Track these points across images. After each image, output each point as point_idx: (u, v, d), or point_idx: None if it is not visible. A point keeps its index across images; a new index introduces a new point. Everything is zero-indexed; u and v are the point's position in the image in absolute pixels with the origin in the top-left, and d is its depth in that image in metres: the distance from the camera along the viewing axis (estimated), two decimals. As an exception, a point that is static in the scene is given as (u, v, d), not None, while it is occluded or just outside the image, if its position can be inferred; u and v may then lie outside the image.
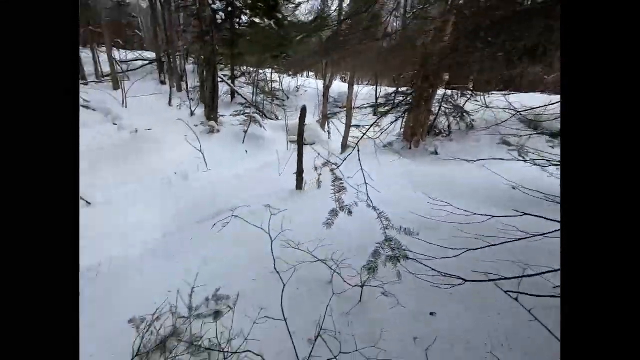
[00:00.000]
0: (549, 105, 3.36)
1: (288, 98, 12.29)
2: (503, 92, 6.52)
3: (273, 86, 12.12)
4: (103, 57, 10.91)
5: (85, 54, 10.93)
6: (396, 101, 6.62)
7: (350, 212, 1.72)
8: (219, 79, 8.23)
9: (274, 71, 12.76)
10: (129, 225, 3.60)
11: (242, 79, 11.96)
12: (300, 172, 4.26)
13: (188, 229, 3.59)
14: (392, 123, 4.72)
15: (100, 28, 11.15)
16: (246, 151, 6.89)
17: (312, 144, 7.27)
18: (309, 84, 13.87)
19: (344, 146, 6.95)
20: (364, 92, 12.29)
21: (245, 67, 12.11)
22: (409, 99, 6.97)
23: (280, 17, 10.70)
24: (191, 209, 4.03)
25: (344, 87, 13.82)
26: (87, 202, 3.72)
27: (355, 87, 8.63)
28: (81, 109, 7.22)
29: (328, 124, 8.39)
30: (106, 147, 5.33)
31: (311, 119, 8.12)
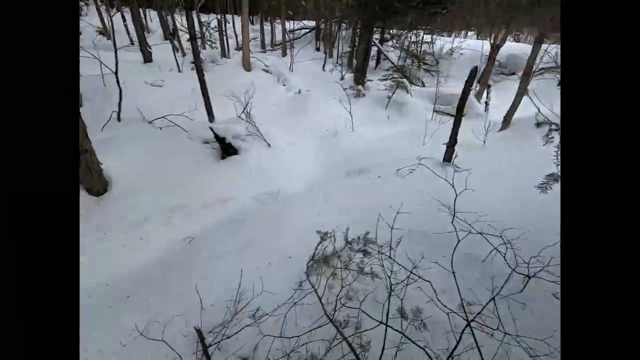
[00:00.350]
0: None
1: (438, 62, 11.02)
2: None
3: (422, 49, 11.11)
4: (276, 28, 13.03)
5: (266, 26, 13.31)
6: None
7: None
8: (372, 43, 8.25)
9: (426, 32, 11.56)
10: (292, 167, 4.47)
11: (389, 43, 11.53)
12: (453, 143, 3.90)
13: (334, 179, 4.09)
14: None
15: (277, 2, 13.18)
16: (388, 117, 6.88)
17: (462, 116, 6.40)
18: (467, 45, 11.82)
19: (507, 122, 5.72)
20: (552, 53, 9.37)
21: (393, 30, 11.54)
22: None
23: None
24: (340, 161, 4.54)
25: (517, 48, 10.98)
26: (268, 143, 4.85)
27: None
28: (262, 72, 9.07)
29: (488, 94, 7.05)
30: (279, 104, 6.59)
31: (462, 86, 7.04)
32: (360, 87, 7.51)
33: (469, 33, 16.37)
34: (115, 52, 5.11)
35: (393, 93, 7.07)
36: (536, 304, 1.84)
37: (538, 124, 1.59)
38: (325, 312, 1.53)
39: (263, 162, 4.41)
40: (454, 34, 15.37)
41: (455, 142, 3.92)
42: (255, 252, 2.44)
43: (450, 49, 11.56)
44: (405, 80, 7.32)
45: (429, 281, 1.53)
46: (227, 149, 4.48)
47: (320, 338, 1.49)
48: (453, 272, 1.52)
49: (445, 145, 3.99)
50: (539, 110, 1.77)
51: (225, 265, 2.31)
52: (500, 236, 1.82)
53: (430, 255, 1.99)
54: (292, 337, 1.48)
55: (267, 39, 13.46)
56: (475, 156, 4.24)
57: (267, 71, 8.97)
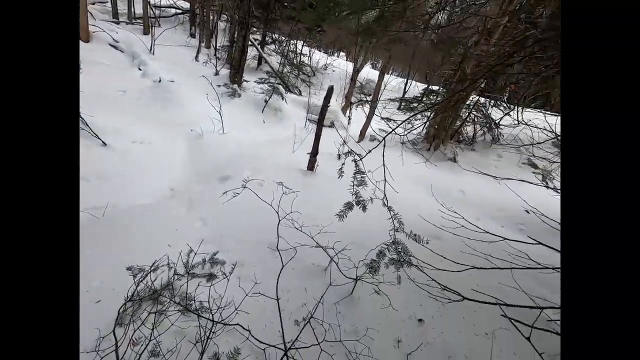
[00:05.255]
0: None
1: (314, 74, 11.97)
2: (538, 110, 6.18)
3: (301, 60, 11.78)
4: (137, -2, 10.68)
5: (120, -8, 10.70)
6: (426, 100, 6.37)
7: (364, 208, 1.68)
8: (249, 43, 8.01)
9: (305, 44, 12.35)
10: (140, 173, 3.65)
11: (272, 47, 11.63)
12: (315, 153, 4.20)
13: (195, 187, 3.63)
14: (424, 124, 4.56)
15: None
16: (264, 121, 6.82)
17: (330, 126, 7.14)
18: (338, 65, 13.43)
19: (362, 135, 6.81)
20: (393, 84, 11.85)
21: (276, 35, 11.75)
22: (439, 98, 6.69)
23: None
24: (201, 168, 4.06)
25: (373, 74, 13.32)
26: (103, 142, 3.76)
27: (385, 77, 8.28)
28: (110, 48, 7.17)
29: (350, 109, 8.18)
30: (129, 91, 5.33)
31: (333, 101, 7.97)
32: (235, 86, 7.12)
33: (342, 53, 18.71)
34: None
35: (269, 97, 7.09)
36: (360, 304, 2.14)
37: (372, 139, 1.86)
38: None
39: (91, 168, 3.38)
40: (329, 51, 17.17)
41: (317, 152, 4.25)
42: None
43: (325, 65, 12.80)
44: (281, 86, 7.48)
45: (237, 324, 1.47)
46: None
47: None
48: (277, 299, 1.53)
49: (308, 155, 4.27)
50: (344, 142, 2.07)
51: None
52: (333, 248, 2.01)
53: (271, 276, 1.98)
54: None
55: (122, 8, 10.86)
56: (333, 165, 4.74)
57: (116, 47, 7.17)
